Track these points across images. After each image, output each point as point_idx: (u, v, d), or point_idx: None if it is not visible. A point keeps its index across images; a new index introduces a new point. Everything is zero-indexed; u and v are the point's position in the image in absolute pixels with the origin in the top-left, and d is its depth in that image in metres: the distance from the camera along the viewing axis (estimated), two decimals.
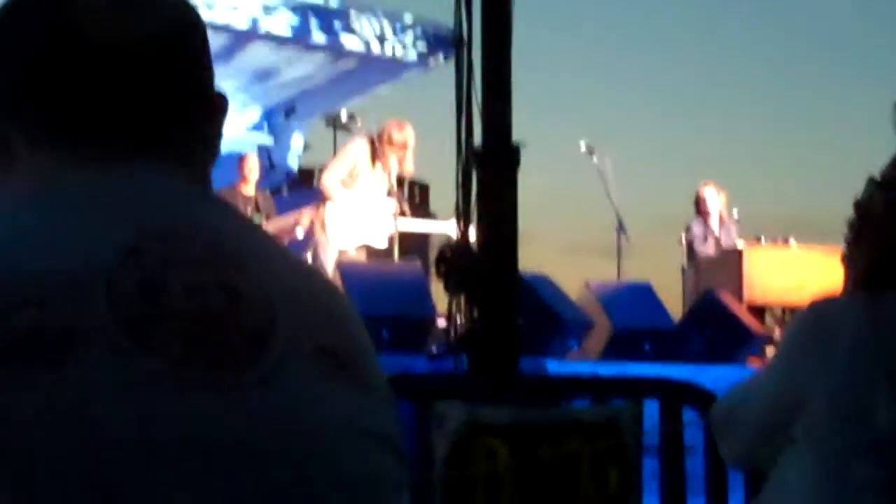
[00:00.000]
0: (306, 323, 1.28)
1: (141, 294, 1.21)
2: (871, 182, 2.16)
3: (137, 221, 1.26)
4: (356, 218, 9.87)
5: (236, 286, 1.25)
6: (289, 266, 1.35)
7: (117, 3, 1.34)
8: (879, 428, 1.94)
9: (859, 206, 2.17)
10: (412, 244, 11.37)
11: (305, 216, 10.25)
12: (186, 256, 1.25)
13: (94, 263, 1.21)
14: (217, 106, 1.41)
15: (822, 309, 2.07)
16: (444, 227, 10.32)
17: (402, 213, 10.20)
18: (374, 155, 9.81)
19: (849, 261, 2.18)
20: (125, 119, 1.33)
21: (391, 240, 10.35)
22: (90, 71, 1.31)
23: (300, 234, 10.50)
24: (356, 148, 9.92)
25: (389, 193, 10.00)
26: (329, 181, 9.84)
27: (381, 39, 13.00)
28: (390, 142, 9.74)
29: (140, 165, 1.32)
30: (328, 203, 9.85)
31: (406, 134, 9.81)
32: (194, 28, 1.39)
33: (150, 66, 1.33)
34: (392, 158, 9.78)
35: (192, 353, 1.20)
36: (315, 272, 1.39)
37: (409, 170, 10.04)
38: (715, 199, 12.39)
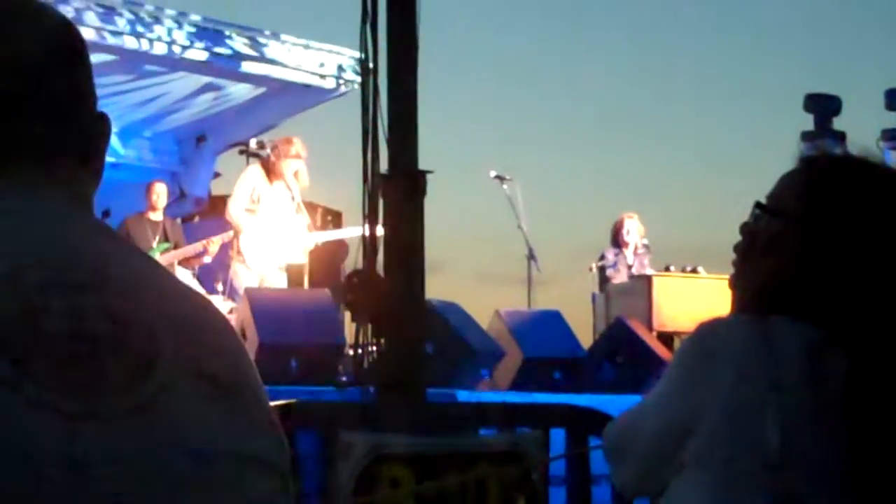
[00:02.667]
0: (189, 349, 1.26)
1: (21, 319, 1.18)
2: (758, 205, 2.18)
3: (18, 246, 1.24)
4: (269, 240, 9.97)
5: (119, 312, 1.23)
6: (174, 293, 1.33)
7: None
8: (768, 451, 1.94)
9: (746, 229, 2.19)
10: (324, 274, 11.34)
11: (214, 243, 10.35)
12: (68, 282, 1.23)
13: None
14: (100, 128, 1.39)
15: (708, 331, 2.08)
16: (353, 232, 10.49)
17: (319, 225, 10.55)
18: (270, 175, 10.02)
19: (736, 284, 2.19)
20: (3, 144, 1.30)
21: (301, 269, 10.39)
22: None
23: (208, 260, 10.55)
24: (250, 174, 10.16)
25: (297, 209, 10.17)
26: (234, 212, 10.02)
27: (291, 67, 12.98)
28: (282, 156, 9.98)
29: (21, 189, 1.29)
30: (239, 235, 9.97)
31: (296, 147, 10.08)
32: (75, 47, 1.36)
33: (29, 89, 1.31)
34: (288, 174, 10.00)
35: (72, 381, 1.18)
36: (201, 300, 1.37)
37: (305, 183, 10.25)
38: (634, 231, 12.50)
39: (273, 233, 9.98)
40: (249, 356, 1.37)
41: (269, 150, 10.28)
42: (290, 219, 10.11)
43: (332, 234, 11.09)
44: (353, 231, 10.37)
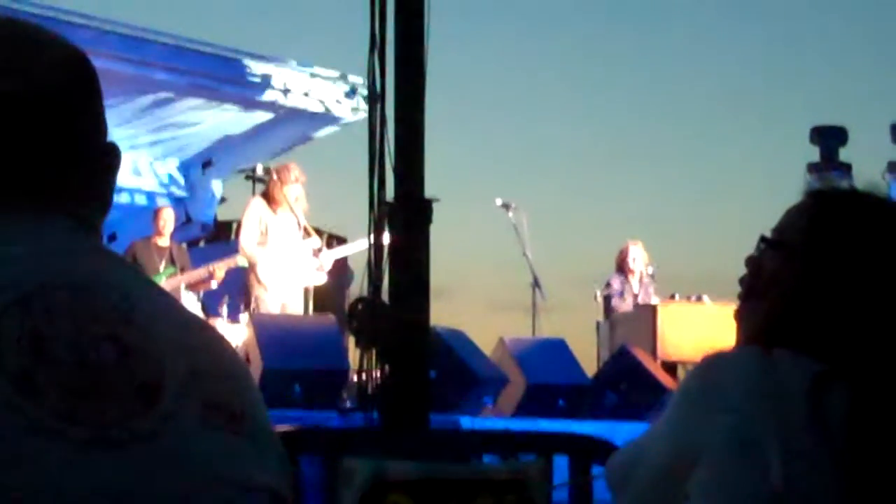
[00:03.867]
0: (195, 377, 1.27)
1: (29, 346, 1.19)
2: (763, 239, 2.19)
3: (26, 273, 1.25)
4: (285, 267, 10.08)
5: (126, 339, 1.24)
6: (180, 321, 1.34)
7: (4, 53, 1.32)
8: (772, 484, 1.95)
9: (751, 262, 2.20)
10: (327, 299, 11.35)
11: (220, 269, 10.45)
12: (75, 308, 1.24)
13: None
14: (109, 157, 1.40)
15: (712, 363, 2.08)
16: (363, 245, 10.58)
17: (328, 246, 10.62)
18: (273, 204, 10.18)
19: (741, 317, 2.20)
20: (13, 171, 1.31)
21: (307, 294, 10.47)
22: None
23: (215, 285, 10.61)
24: (253, 208, 10.31)
25: (304, 233, 10.31)
26: (248, 247, 10.17)
27: (298, 93, 13.01)
28: (282, 184, 10.14)
29: (30, 218, 1.30)
30: (256, 266, 10.10)
31: (294, 172, 10.25)
32: (86, 77, 1.38)
33: (39, 118, 1.32)
34: (290, 200, 10.15)
35: (79, 406, 1.19)
36: (207, 327, 1.38)
37: (304, 206, 10.39)
38: (640, 258, 12.49)
39: (287, 260, 10.09)
40: (256, 384, 1.38)
41: (269, 179, 10.42)
42: (300, 244, 10.23)
43: (343, 250, 11.17)
44: (359, 245, 10.48)
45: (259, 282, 10.07)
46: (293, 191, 10.18)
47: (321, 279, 10.41)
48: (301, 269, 10.21)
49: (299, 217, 10.26)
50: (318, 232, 10.72)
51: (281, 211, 10.16)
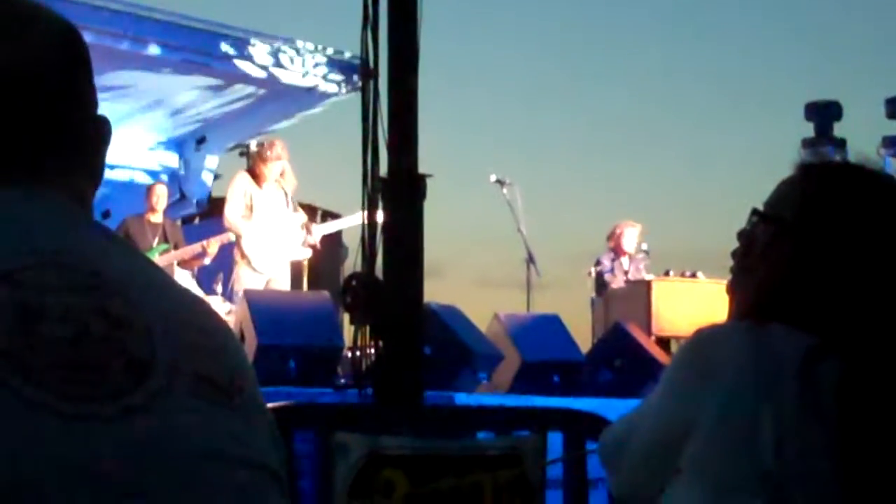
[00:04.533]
0: (186, 351, 1.27)
1: (17, 322, 1.19)
2: (754, 212, 2.19)
3: (14, 247, 1.24)
4: (270, 241, 10.09)
5: (116, 313, 1.24)
6: (171, 295, 1.33)
7: None
8: (764, 459, 1.95)
9: (743, 235, 2.20)
10: (322, 275, 11.35)
11: (213, 244, 10.46)
12: (65, 283, 1.23)
13: None
14: (100, 130, 1.39)
15: (705, 338, 2.08)
16: (355, 220, 10.58)
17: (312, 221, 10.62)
18: (258, 180, 10.21)
19: (734, 291, 2.20)
20: (2, 145, 1.31)
21: (300, 270, 10.47)
22: None
23: (208, 261, 10.62)
24: (238, 181, 10.34)
25: (293, 207, 10.34)
26: (232, 218, 10.20)
27: (291, 69, 12.98)
28: (265, 160, 10.19)
29: (18, 192, 1.30)
30: (241, 238, 10.10)
31: (277, 148, 10.28)
32: (76, 51, 1.37)
33: (29, 92, 1.31)
34: (275, 175, 10.19)
35: (69, 382, 1.18)
36: (199, 301, 1.37)
37: (293, 181, 10.43)
38: (632, 239, 12.51)
39: (272, 233, 10.09)
40: (248, 359, 1.37)
41: (252, 156, 10.44)
42: (287, 218, 10.25)
43: (333, 226, 11.18)
44: (351, 220, 10.50)
45: (243, 256, 10.07)
46: (277, 166, 10.20)
47: (307, 254, 10.40)
48: (287, 243, 10.21)
49: (287, 192, 10.27)
50: (312, 208, 10.73)
51: (266, 185, 10.19)
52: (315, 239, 10.39)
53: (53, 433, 1.15)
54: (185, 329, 1.28)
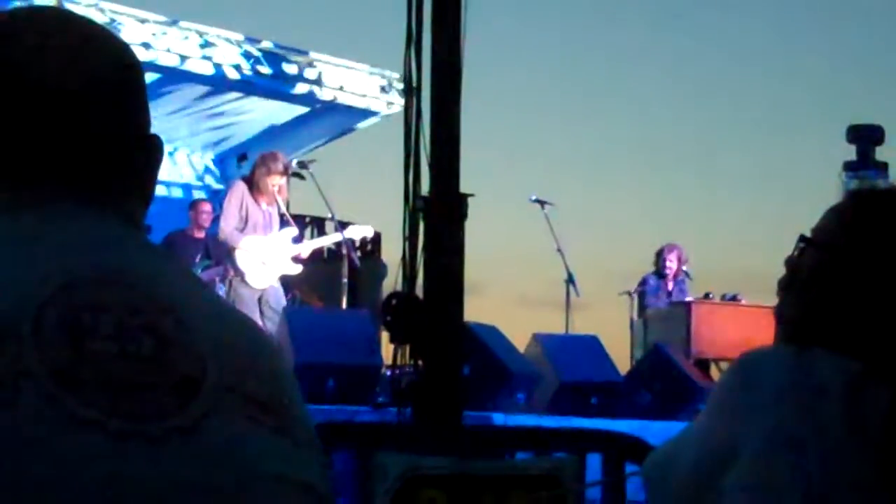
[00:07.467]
0: (235, 371, 1.27)
1: (69, 338, 1.19)
2: (802, 238, 2.19)
3: (68, 265, 1.25)
4: (263, 254, 10.01)
5: (166, 332, 1.24)
6: (220, 314, 1.34)
7: (58, 46, 1.32)
8: (809, 483, 1.94)
9: (790, 262, 2.20)
10: (362, 294, 11.36)
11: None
12: (116, 301, 1.24)
13: (23, 306, 1.20)
14: (152, 149, 1.41)
15: (751, 362, 2.07)
16: (337, 238, 10.76)
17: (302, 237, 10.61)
18: (255, 191, 10.07)
19: (779, 316, 2.20)
20: (60, 162, 1.31)
21: (341, 288, 10.45)
22: (27, 114, 1.30)
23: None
24: (236, 190, 10.21)
25: (283, 220, 10.28)
26: (227, 230, 10.07)
27: (334, 87, 13.04)
28: (269, 172, 10.05)
29: (73, 209, 1.31)
30: (235, 252, 10.00)
31: (281, 161, 10.16)
32: (132, 72, 1.38)
33: (87, 111, 1.32)
34: (274, 188, 10.07)
35: (118, 400, 1.19)
36: (246, 321, 1.38)
37: (286, 195, 10.38)
38: (675, 259, 12.49)
39: (264, 248, 10.01)
40: (294, 379, 1.38)
41: (255, 165, 10.32)
42: (278, 232, 10.17)
43: (317, 242, 11.18)
44: (336, 237, 10.66)
45: (237, 270, 9.97)
46: (278, 180, 10.10)
47: (297, 269, 10.26)
48: (278, 258, 10.10)
49: (280, 205, 10.23)
50: (320, 220, 10.61)
51: (261, 198, 10.09)
52: (305, 253, 10.32)
53: (99, 450, 1.16)
54: (234, 351, 1.29)
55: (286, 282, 10.35)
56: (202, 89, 12.66)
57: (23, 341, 1.18)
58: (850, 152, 13.51)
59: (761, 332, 2.24)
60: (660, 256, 12.56)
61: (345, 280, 10.75)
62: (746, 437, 1.98)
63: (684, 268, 12.60)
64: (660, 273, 12.49)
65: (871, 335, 2.06)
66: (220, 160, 14.29)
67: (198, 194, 12.87)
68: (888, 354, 2.03)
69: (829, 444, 1.96)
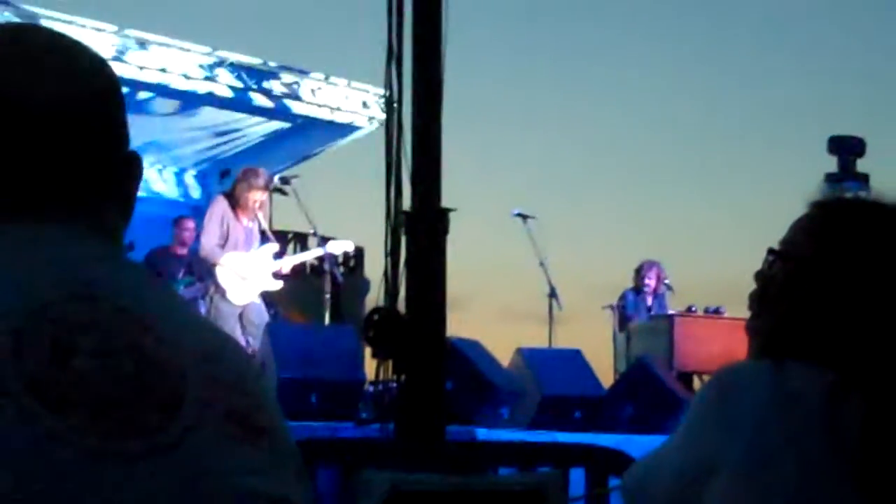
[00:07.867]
0: (216, 388, 1.27)
1: (50, 356, 1.19)
2: (770, 251, 2.19)
3: (47, 283, 1.25)
4: (244, 271, 9.99)
5: (146, 350, 1.24)
6: (201, 331, 1.34)
7: (32, 64, 1.32)
8: (788, 496, 1.94)
9: (761, 276, 2.20)
10: (344, 309, 11.35)
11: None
12: (96, 319, 1.24)
13: (2, 324, 1.19)
14: (132, 166, 1.40)
15: (726, 376, 2.08)
16: (318, 253, 10.82)
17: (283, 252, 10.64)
18: (235, 206, 10.04)
19: (752, 330, 2.20)
20: (36, 181, 1.31)
21: (323, 303, 10.45)
22: (4, 132, 1.30)
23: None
24: (217, 205, 10.19)
25: (264, 236, 10.27)
26: (208, 246, 10.03)
27: (315, 103, 13.04)
28: (251, 188, 10.03)
29: (51, 227, 1.30)
30: (217, 268, 9.98)
31: (263, 177, 10.13)
32: (109, 89, 1.38)
33: (64, 129, 1.32)
34: (254, 203, 10.06)
35: (98, 418, 1.18)
36: (227, 338, 1.38)
37: (266, 211, 10.51)
38: (655, 276, 12.53)
39: (245, 264, 9.99)
40: (275, 395, 1.37)
41: (237, 181, 10.29)
42: (258, 248, 10.16)
43: (298, 258, 11.18)
44: (316, 252, 10.68)
45: (217, 287, 9.94)
46: (259, 196, 10.09)
47: (277, 285, 10.25)
48: (258, 274, 10.09)
49: (261, 220, 10.24)
50: (302, 235, 10.63)
51: (242, 213, 10.07)
52: (286, 269, 10.31)
53: (79, 469, 1.16)
54: (215, 367, 1.29)
55: (268, 298, 10.32)
56: (181, 105, 12.65)
57: (2, 359, 1.17)
58: (832, 164, 13.56)
59: (744, 346, 2.23)
60: (639, 273, 12.62)
61: (327, 295, 10.73)
62: (725, 451, 1.98)
63: (666, 281, 12.64)
64: (638, 289, 12.54)
65: (844, 344, 2.06)
66: (201, 176, 14.28)
67: (180, 211, 12.85)
68: (861, 363, 2.04)
69: (806, 456, 1.96)
